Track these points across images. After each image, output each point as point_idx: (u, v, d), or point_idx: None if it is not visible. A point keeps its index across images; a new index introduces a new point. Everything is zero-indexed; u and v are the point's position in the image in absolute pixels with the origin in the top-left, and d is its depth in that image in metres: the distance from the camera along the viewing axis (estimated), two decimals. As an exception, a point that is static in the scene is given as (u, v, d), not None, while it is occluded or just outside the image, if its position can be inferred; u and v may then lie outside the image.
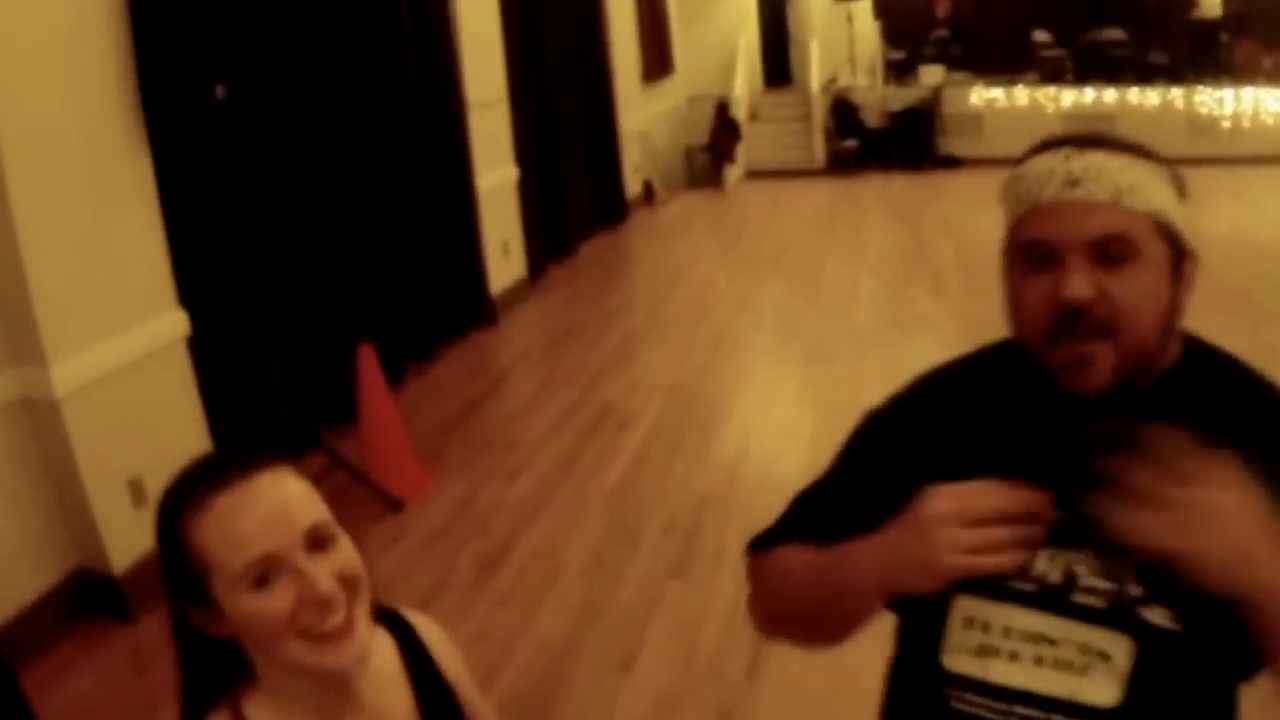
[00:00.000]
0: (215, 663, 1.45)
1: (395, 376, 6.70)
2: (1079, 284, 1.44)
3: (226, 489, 1.36)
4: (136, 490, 4.71)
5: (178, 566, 1.39)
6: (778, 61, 16.56)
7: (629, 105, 11.98)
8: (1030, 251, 1.50)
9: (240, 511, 1.35)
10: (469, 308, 8.10)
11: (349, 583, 1.38)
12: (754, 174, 14.00)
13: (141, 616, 4.49)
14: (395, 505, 5.28)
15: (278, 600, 1.32)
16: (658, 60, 13.40)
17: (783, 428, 5.84)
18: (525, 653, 4.05)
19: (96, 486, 4.57)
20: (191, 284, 5.12)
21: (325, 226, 6.31)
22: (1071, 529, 1.45)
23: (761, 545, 1.78)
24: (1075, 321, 1.45)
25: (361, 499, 5.31)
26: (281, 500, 1.38)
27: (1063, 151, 1.50)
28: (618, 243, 11.04)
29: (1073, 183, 1.47)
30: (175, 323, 4.99)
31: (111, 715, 4.02)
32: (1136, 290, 1.45)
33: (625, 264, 10.43)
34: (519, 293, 8.90)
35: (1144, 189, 1.47)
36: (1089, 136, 1.52)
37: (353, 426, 5.74)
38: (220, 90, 4.82)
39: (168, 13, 4.66)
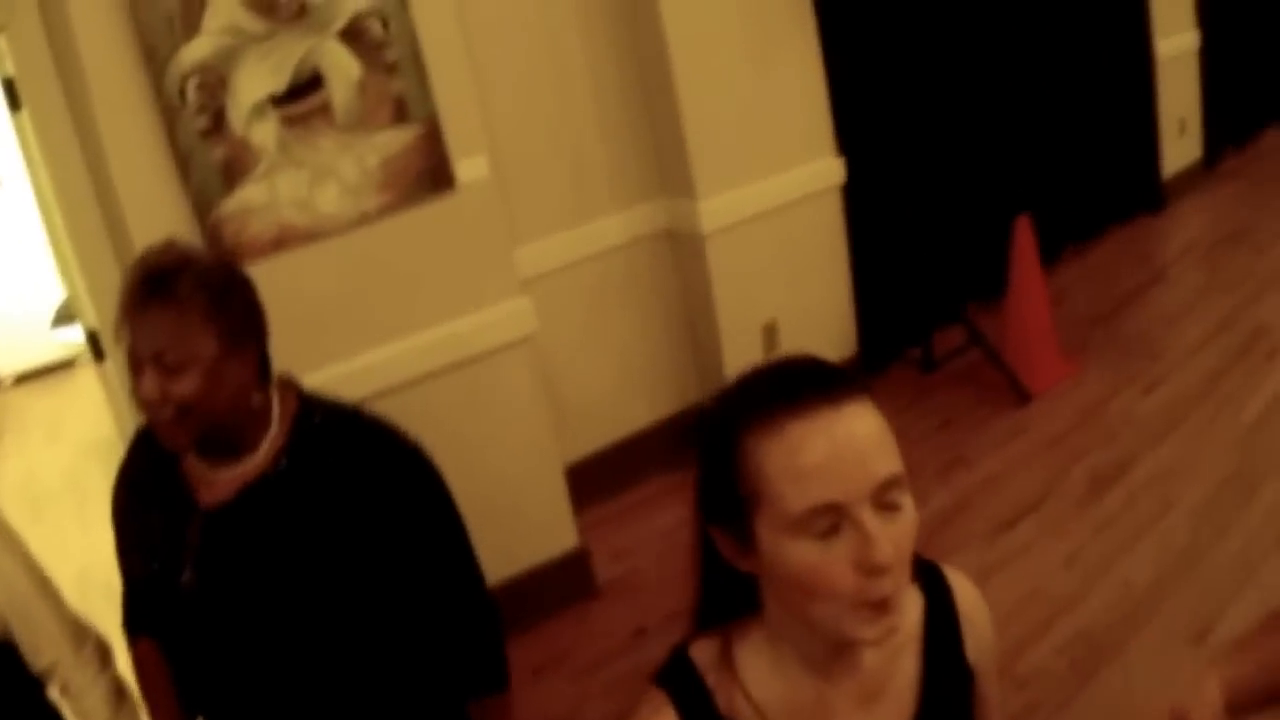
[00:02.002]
0: (728, 589, 1.37)
1: (1051, 255, 6.49)
2: None
3: (807, 414, 1.21)
4: (770, 334, 4.90)
5: (721, 485, 1.27)
6: None
7: None
8: None
9: (817, 445, 1.19)
10: (1137, 190, 7.60)
11: (903, 554, 1.22)
12: None
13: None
14: (1024, 397, 5.16)
15: (833, 558, 1.18)
16: None
17: None
18: (1107, 591, 3.86)
19: (729, 326, 4.78)
20: (851, 133, 5.15)
21: (993, 85, 6.14)
22: None
23: None
24: None
25: (992, 383, 5.29)
26: (863, 442, 1.20)
27: None
28: None
29: None
30: (830, 170, 5.08)
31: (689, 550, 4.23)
32: None
33: None
34: (1192, 179, 8.15)
35: None
36: None
37: (997, 303, 5.61)
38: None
39: None
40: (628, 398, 4.78)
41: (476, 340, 3.68)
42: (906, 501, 1.23)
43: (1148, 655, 3.55)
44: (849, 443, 1.20)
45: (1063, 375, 5.35)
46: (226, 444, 2.01)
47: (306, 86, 3.20)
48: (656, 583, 4.14)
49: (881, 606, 1.20)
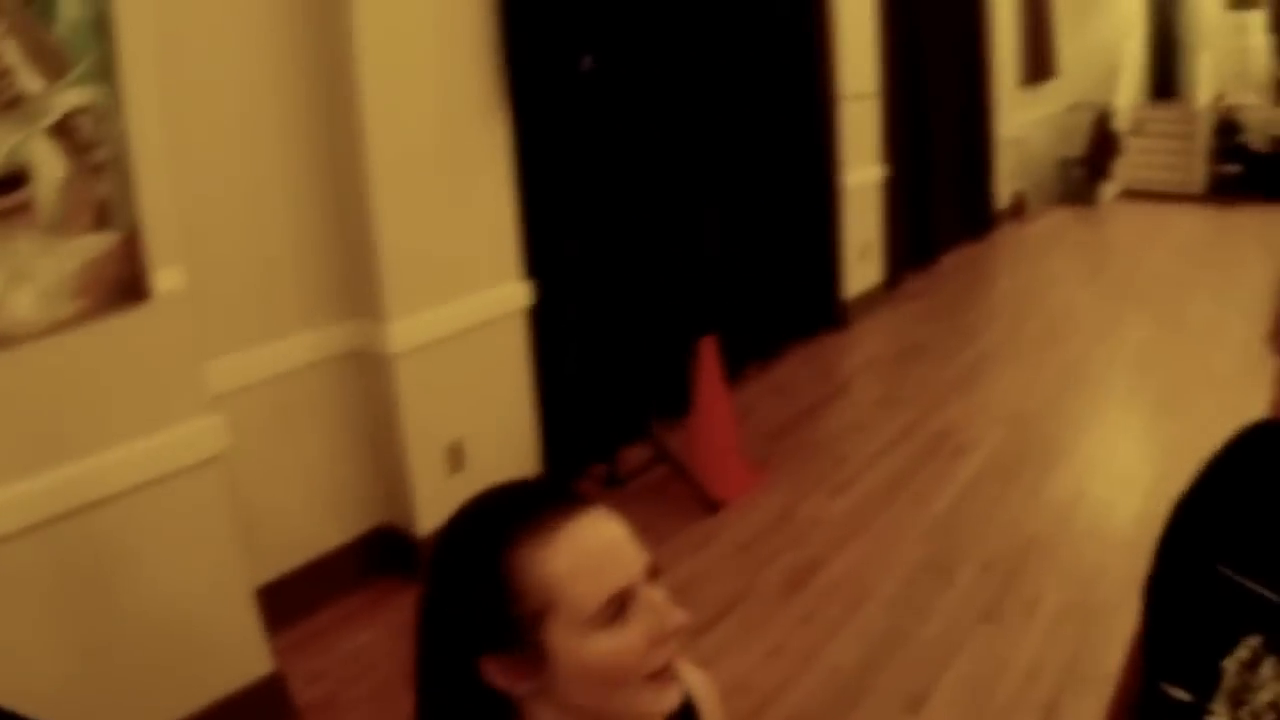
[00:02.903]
0: (484, 715, 1.30)
1: (734, 372, 6.69)
2: None
3: (573, 515, 1.26)
4: (454, 455, 4.88)
5: (493, 610, 1.24)
6: (1164, 72, 15.13)
7: (1005, 109, 11.41)
8: None
9: (593, 538, 1.25)
10: (819, 309, 7.99)
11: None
12: (1129, 193, 13.16)
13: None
14: (713, 506, 5.26)
15: (629, 640, 1.23)
16: (1039, 62, 12.58)
17: (1122, 477, 5.50)
18: (816, 676, 3.98)
19: (416, 446, 4.74)
20: (538, 256, 5.23)
21: (681, 209, 6.34)
22: None
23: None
24: None
25: (680, 495, 5.36)
26: (623, 532, 1.28)
27: None
28: (981, 256, 10.61)
29: None
30: (518, 293, 5.12)
31: (387, 670, 4.18)
32: None
33: (986, 280, 10.00)
34: (873, 299, 8.65)
35: None
36: None
37: (682, 419, 5.76)
38: (586, 61, 4.91)
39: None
40: (317, 517, 4.67)
41: (164, 460, 3.51)
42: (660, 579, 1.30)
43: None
44: (614, 533, 1.28)
45: (750, 485, 5.50)
46: None
47: (10, 182, 3.04)
48: (354, 702, 4.05)
49: (669, 674, 1.27)
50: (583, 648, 1.22)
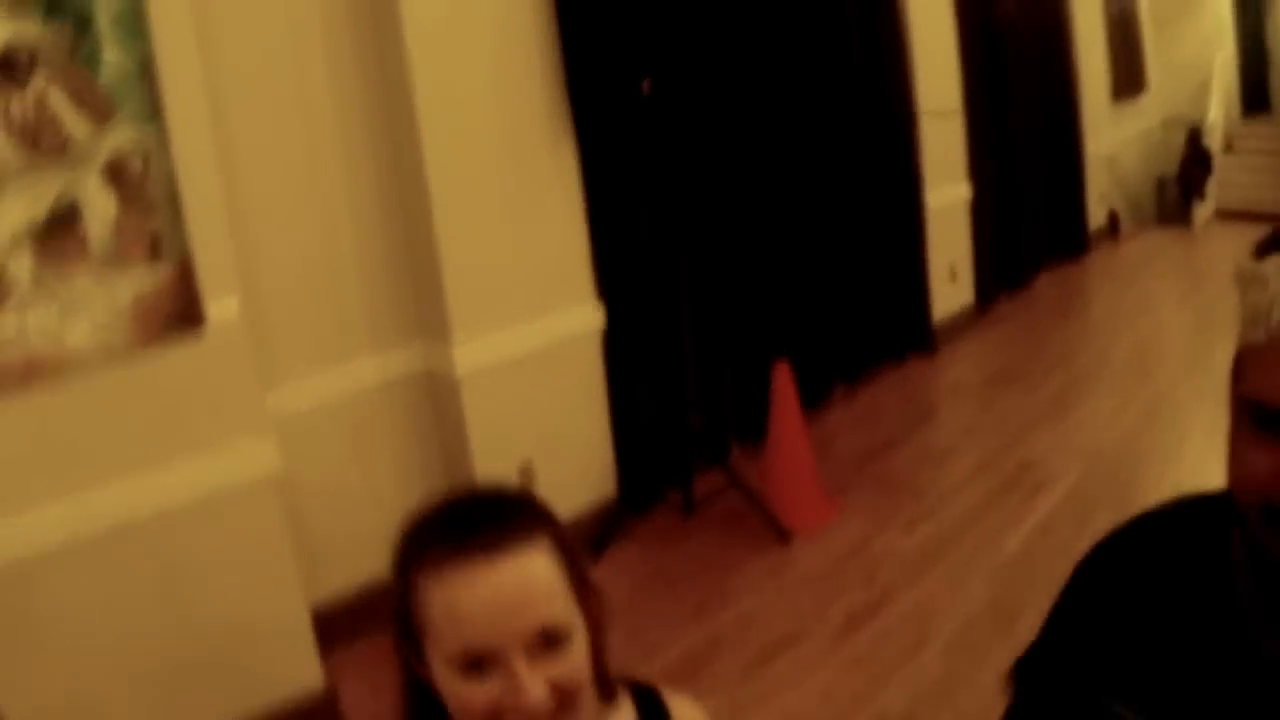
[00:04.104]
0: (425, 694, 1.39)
1: (819, 397, 6.68)
2: None
3: (466, 562, 1.27)
4: (526, 476, 4.87)
5: (405, 608, 1.36)
6: (1257, 85, 14.35)
7: (1095, 125, 11.01)
8: (1256, 410, 1.10)
9: (473, 595, 1.26)
10: (908, 333, 7.83)
11: (565, 694, 1.27)
12: (1223, 214, 12.55)
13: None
14: (785, 537, 5.19)
15: (480, 694, 1.25)
16: (1128, 76, 12.13)
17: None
18: (860, 723, 3.89)
19: (485, 468, 4.74)
20: (610, 278, 5.21)
21: (756, 230, 6.27)
22: None
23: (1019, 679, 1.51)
24: None
25: (752, 524, 5.29)
26: (518, 591, 1.27)
27: None
28: (1074, 279, 10.31)
29: None
30: (590, 315, 5.14)
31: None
32: None
33: (1078, 304, 9.73)
34: (964, 323, 8.43)
35: None
36: None
37: (761, 445, 5.67)
38: (646, 84, 4.86)
39: (595, 4, 4.75)
40: (384, 537, 4.64)
41: (218, 480, 3.64)
42: (573, 640, 1.30)
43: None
44: (501, 593, 1.26)
45: (825, 516, 5.41)
46: None
47: (64, 220, 3.19)
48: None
49: None
50: (443, 678, 1.29)
